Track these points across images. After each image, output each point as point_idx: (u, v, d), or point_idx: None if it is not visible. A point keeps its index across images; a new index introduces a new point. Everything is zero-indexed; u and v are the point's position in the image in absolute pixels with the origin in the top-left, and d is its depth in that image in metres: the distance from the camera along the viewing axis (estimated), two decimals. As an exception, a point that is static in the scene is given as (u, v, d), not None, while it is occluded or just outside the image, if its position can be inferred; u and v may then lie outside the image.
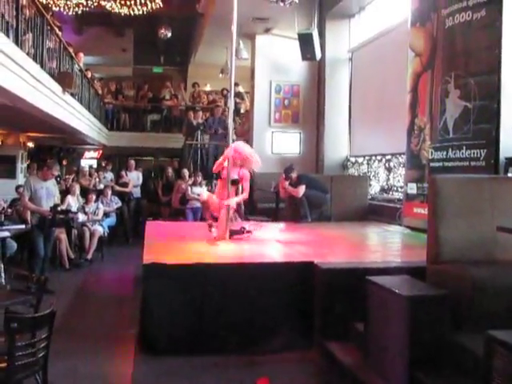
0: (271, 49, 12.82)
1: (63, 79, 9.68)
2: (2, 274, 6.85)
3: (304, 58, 11.62)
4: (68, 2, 14.09)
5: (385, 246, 7.16)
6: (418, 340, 3.66)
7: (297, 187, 8.87)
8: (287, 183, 9.00)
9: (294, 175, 9.09)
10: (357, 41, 12.01)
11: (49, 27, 9.05)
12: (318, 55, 11.43)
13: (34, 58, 8.06)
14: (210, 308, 4.82)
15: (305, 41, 11.29)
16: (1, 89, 6.73)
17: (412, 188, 8.03)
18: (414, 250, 6.14)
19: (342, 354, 4.42)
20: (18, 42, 7.21)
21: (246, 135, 13.81)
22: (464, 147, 6.70)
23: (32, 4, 8.05)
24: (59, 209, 7.94)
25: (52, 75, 9.15)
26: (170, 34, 17.22)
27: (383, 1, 10.85)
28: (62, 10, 14.15)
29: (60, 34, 10.31)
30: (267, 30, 12.66)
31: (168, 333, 4.70)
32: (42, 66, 8.41)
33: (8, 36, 6.80)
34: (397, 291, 3.86)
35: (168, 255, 5.39)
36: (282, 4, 8.93)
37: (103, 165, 14.45)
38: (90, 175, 13.19)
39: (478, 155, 6.49)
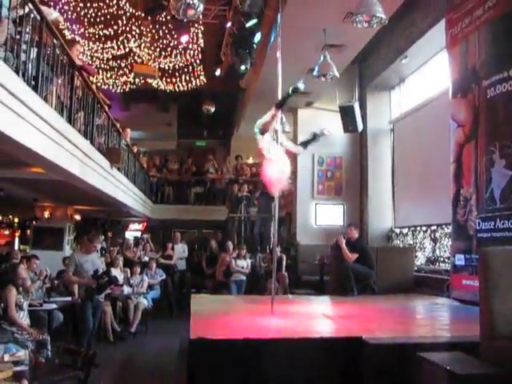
0: (313, 121, 12.97)
1: (111, 154, 9.95)
2: (49, 347, 6.88)
3: (346, 130, 11.76)
4: (116, 81, 14.78)
5: (434, 319, 6.93)
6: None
7: (353, 251, 8.83)
8: (344, 241, 8.97)
9: (355, 234, 9.16)
10: (398, 112, 12.15)
11: (99, 105, 9.42)
12: (360, 127, 11.56)
13: (85, 135, 8.36)
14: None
15: (346, 113, 11.46)
16: (55, 166, 6.98)
17: (460, 259, 7.85)
18: (464, 324, 5.94)
19: None
20: (70, 120, 7.52)
21: (289, 207, 13.89)
22: (513, 217, 6.59)
23: (84, 85, 8.43)
24: (99, 273, 7.98)
25: (101, 151, 9.44)
26: (213, 109, 17.65)
27: (423, 72, 11.01)
28: (110, 87, 14.83)
29: (108, 110, 10.70)
30: (309, 104, 12.94)
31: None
32: (91, 142, 8.70)
33: (62, 115, 7.11)
34: (450, 369, 3.71)
35: (214, 330, 5.33)
36: (323, 79, 9.15)
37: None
38: (137, 245, 13.25)
39: (528, 225, 6.36)
